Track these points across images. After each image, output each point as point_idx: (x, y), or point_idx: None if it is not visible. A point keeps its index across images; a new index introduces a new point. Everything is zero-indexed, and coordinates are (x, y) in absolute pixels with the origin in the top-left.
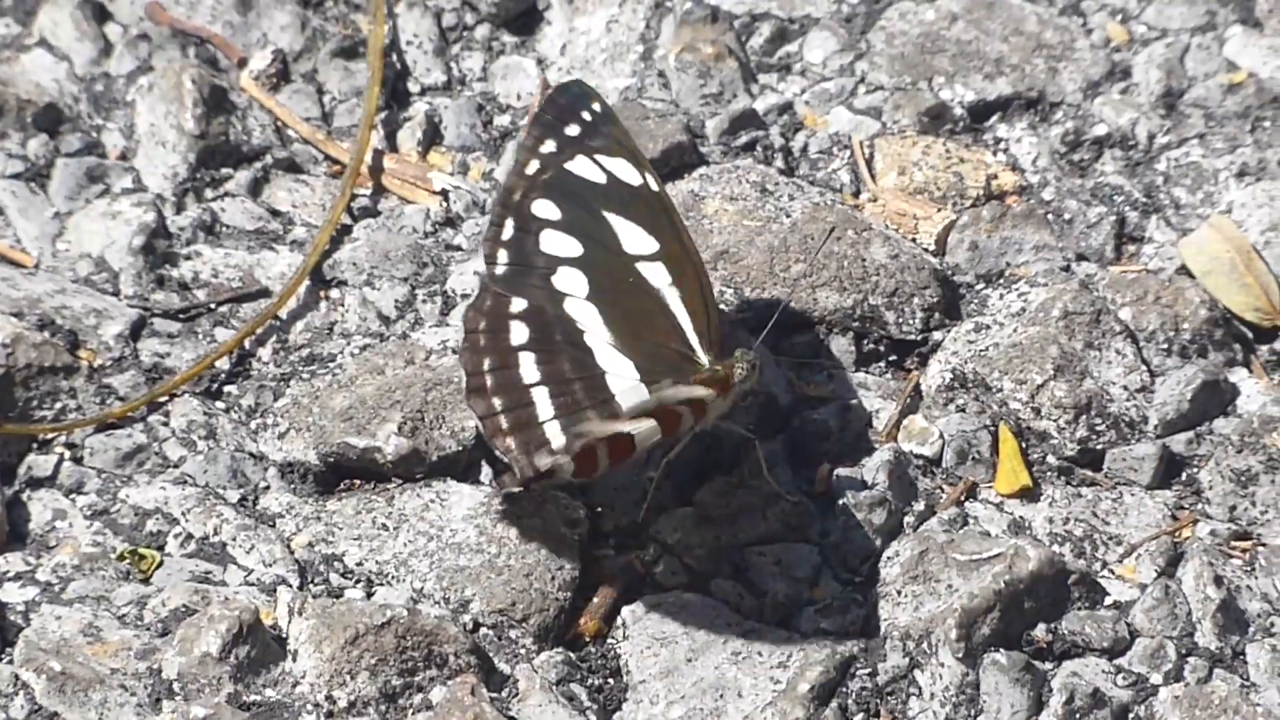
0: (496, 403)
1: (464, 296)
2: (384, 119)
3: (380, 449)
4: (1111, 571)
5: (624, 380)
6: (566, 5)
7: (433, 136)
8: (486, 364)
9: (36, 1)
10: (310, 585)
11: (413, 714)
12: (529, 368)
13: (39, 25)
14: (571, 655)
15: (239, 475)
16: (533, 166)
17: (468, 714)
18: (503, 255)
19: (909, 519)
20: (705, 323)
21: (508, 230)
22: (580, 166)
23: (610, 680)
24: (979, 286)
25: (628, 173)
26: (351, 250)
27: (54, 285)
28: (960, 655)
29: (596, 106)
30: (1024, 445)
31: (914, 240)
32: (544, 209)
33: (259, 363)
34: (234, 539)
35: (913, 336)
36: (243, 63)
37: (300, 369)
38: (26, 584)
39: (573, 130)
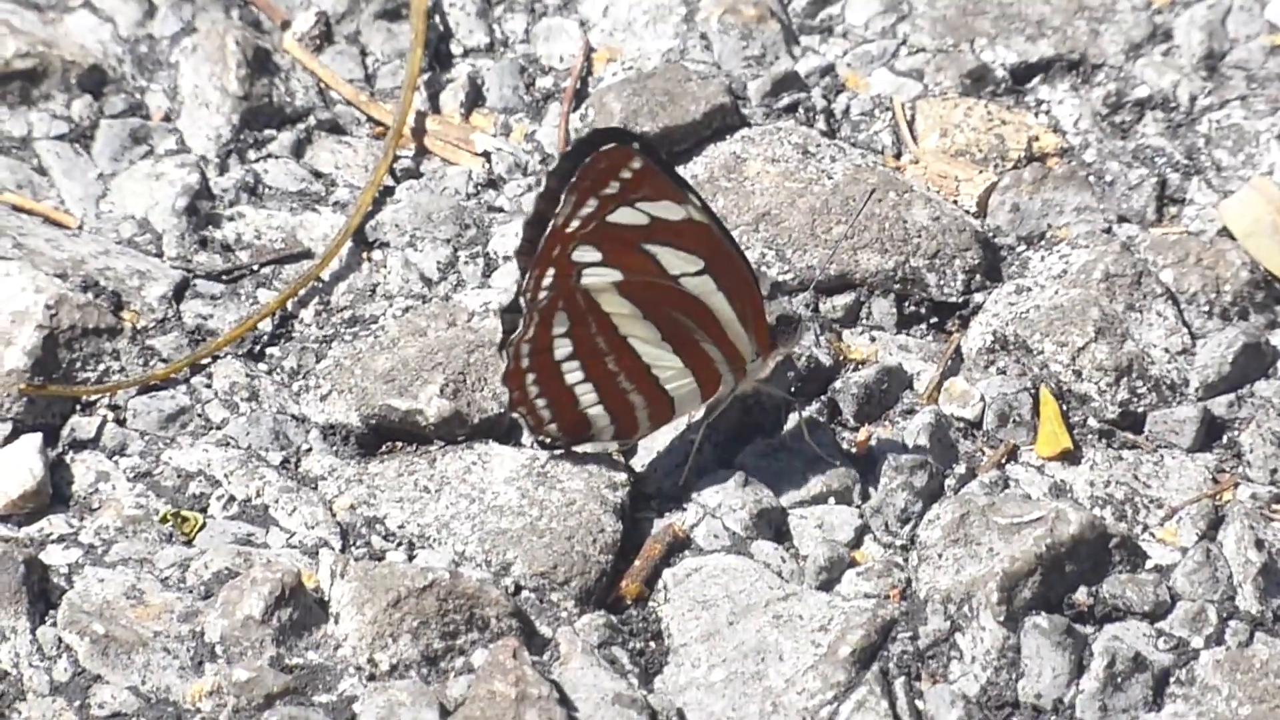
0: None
1: (506, 259)
2: (426, 81)
3: (422, 411)
4: (1152, 535)
5: (667, 370)
6: None
7: (475, 98)
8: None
9: None
10: (352, 548)
11: (454, 677)
12: (574, 374)
13: None
14: (613, 618)
15: (281, 437)
16: (573, 225)
17: (509, 677)
18: (543, 295)
19: (950, 482)
20: (748, 312)
21: (547, 279)
22: (622, 215)
23: (652, 643)
24: (1020, 249)
25: (670, 210)
26: (394, 212)
27: (98, 246)
28: (1001, 619)
29: (636, 164)
30: (1065, 408)
31: (955, 202)
32: (584, 254)
33: (301, 324)
34: (276, 501)
35: (954, 299)
36: (286, 24)
37: (342, 331)
38: (70, 546)
39: (613, 189)
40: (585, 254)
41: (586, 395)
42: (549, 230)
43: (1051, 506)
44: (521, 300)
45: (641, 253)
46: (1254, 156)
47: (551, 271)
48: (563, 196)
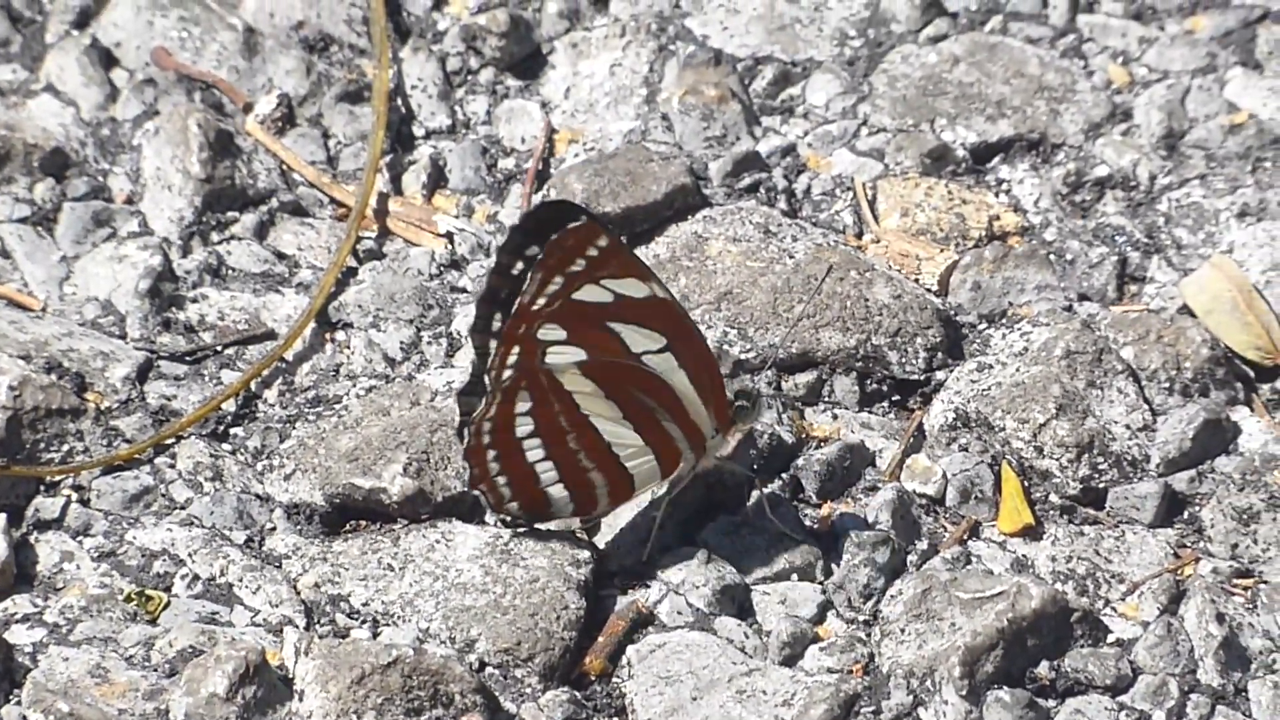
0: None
1: (468, 340)
2: (389, 162)
3: (386, 490)
4: (1114, 609)
5: (628, 448)
6: (570, 49)
7: (437, 180)
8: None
9: (43, 47)
10: (317, 625)
11: None
12: (534, 451)
13: (46, 70)
14: (577, 694)
15: (245, 516)
16: (539, 303)
17: None
18: (494, 345)
19: (912, 557)
20: (708, 389)
21: (512, 356)
22: (587, 293)
23: (616, 719)
24: (981, 326)
25: (635, 288)
26: (357, 293)
27: (61, 328)
28: (964, 693)
29: (602, 241)
30: (1026, 484)
31: (917, 281)
32: (549, 333)
33: (265, 404)
34: (240, 580)
35: (916, 376)
36: (248, 107)
37: (306, 411)
38: (34, 625)
39: (579, 266)
40: (550, 332)
41: (547, 473)
42: (515, 308)
43: (1013, 581)
44: (486, 379)
45: (605, 330)
46: (1214, 234)
47: (516, 350)
48: (529, 274)
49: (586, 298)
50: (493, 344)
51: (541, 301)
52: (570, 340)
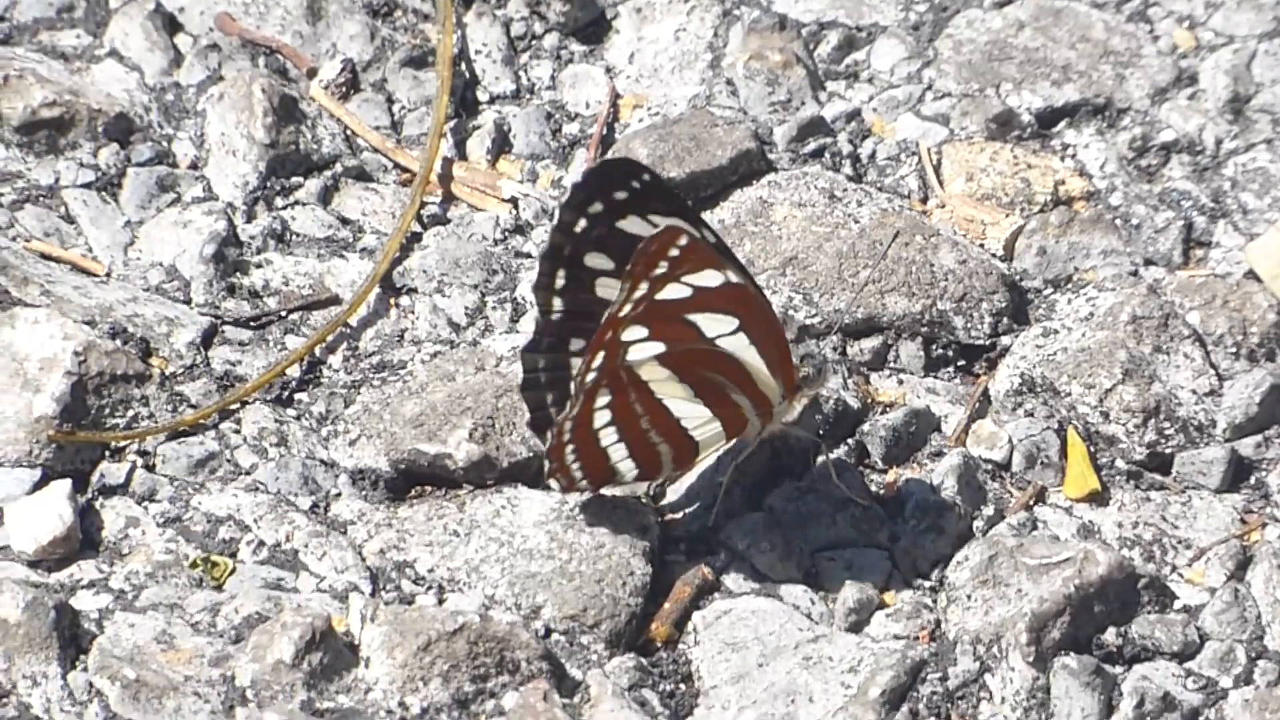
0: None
1: (532, 305)
2: (453, 127)
3: (451, 455)
4: (1181, 575)
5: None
6: (635, 14)
7: (502, 145)
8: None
9: (108, 13)
10: (382, 592)
11: (485, 719)
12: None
13: (110, 36)
14: (643, 661)
15: (310, 482)
16: (626, 309)
17: (540, 719)
18: (558, 302)
19: (978, 524)
20: (776, 358)
21: (597, 360)
22: (669, 292)
23: (682, 686)
24: (1047, 291)
25: (711, 278)
26: (421, 258)
27: (125, 294)
28: (1030, 659)
29: (683, 240)
30: (1092, 449)
31: (982, 246)
32: (632, 333)
33: (329, 370)
34: (306, 546)
35: (981, 341)
36: (312, 72)
37: (371, 376)
38: (100, 592)
39: (662, 269)
40: (633, 333)
41: (618, 452)
42: (605, 317)
43: (1080, 547)
44: (571, 385)
45: (684, 323)
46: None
47: (602, 354)
48: (620, 284)
49: (668, 296)
50: (555, 301)
51: (629, 308)
52: (651, 337)
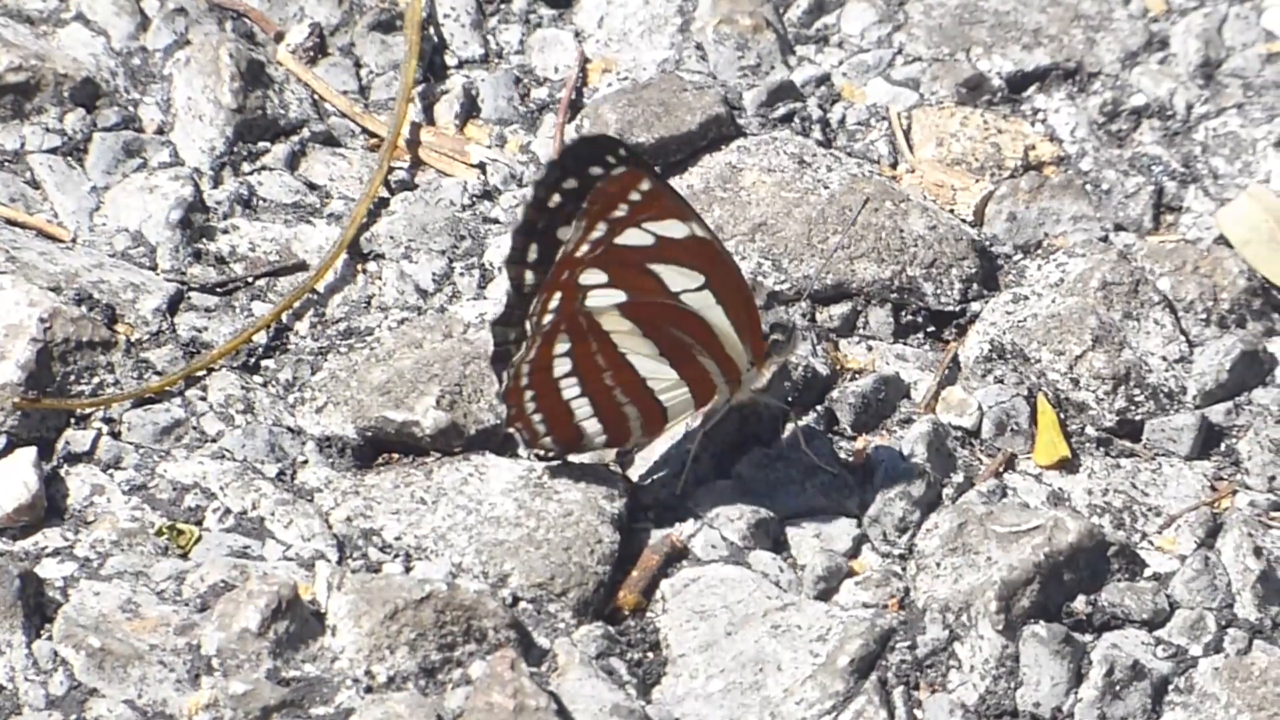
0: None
1: (501, 270)
2: (421, 92)
3: (418, 423)
4: (1151, 543)
5: (663, 382)
6: None
7: (470, 109)
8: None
9: None
10: (349, 560)
11: (452, 688)
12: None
13: (76, 0)
14: (610, 629)
15: (277, 450)
16: (583, 250)
17: (507, 688)
18: (530, 276)
19: (948, 491)
20: (744, 323)
21: (553, 302)
22: (630, 237)
23: (649, 654)
24: (1017, 257)
25: (675, 229)
26: (389, 223)
27: (91, 260)
28: (1000, 628)
29: (645, 185)
30: (1062, 416)
31: (952, 211)
32: (591, 277)
33: (296, 337)
34: (272, 514)
35: (951, 308)
36: (279, 36)
37: (338, 343)
38: (65, 559)
39: (622, 211)
40: (592, 277)
41: (582, 409)
42: (559, 255)
43: (1050, 515)
44: (528, 323)
45: (645, 273)
46: (1251, 164)
47: (558, 295)
48: (574, 223)
49: (628, 242)
50: (528, 275)
51: (585, 249)
52: (611, 283)
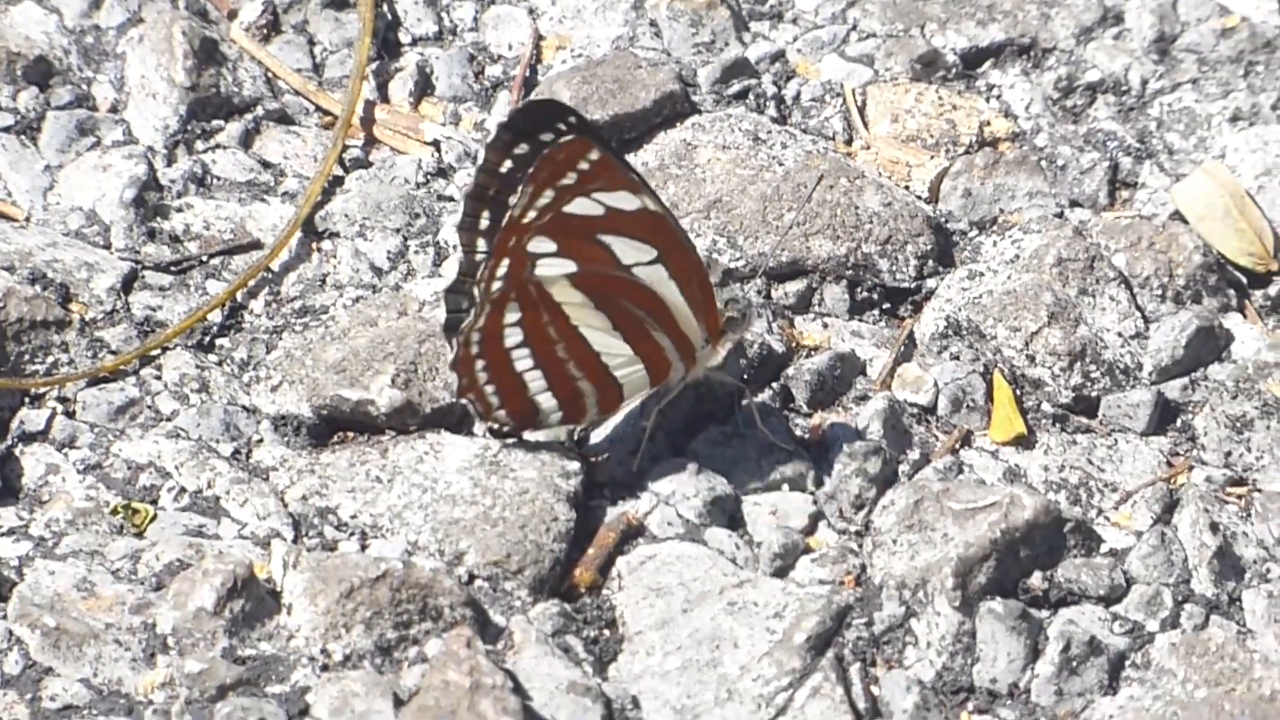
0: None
1: (456, 247)
2: (375, 70)
3: (373, 401)
4: (1107, 519)
5: (617, 358)
6: None
7: (424, 87)
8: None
9: None
10: (304, 538)
11: (408, 666)
12: (523, 361)
13: None
14: (567, 607)
15: (232, 429)
16: (530, 216)
17: (463, 666)
18: (481, 243)
19: (904, 468)
20: (699, 300)
21: (501, 268)
22: (578, 206)
23: (606, 631)
24: (972, 234)
25: (626, 200)
26: (344, 202)
27: (45, 239)
28: (956, 604)
29: (594, 154)
30: (1018, 393)
31: (907, 188)
32: (540, 245)
33: (251, 315)
34: (227, 492)
35: (906, 284)
36: (233, 14)
37: (293, 321)
38: (20, 539)
39: (570, 179)
40: (540, 245)
41: (535, 382)
42: (505, 221)
43: (1006, 491)
44: (475, 289)
45: (595, 243)
46: (1206, 140)
47: (506, 262)
48: (519, 188)
49: (577, 210)
50: (480, 242)
51: (532, 214)
52: (560, 253)
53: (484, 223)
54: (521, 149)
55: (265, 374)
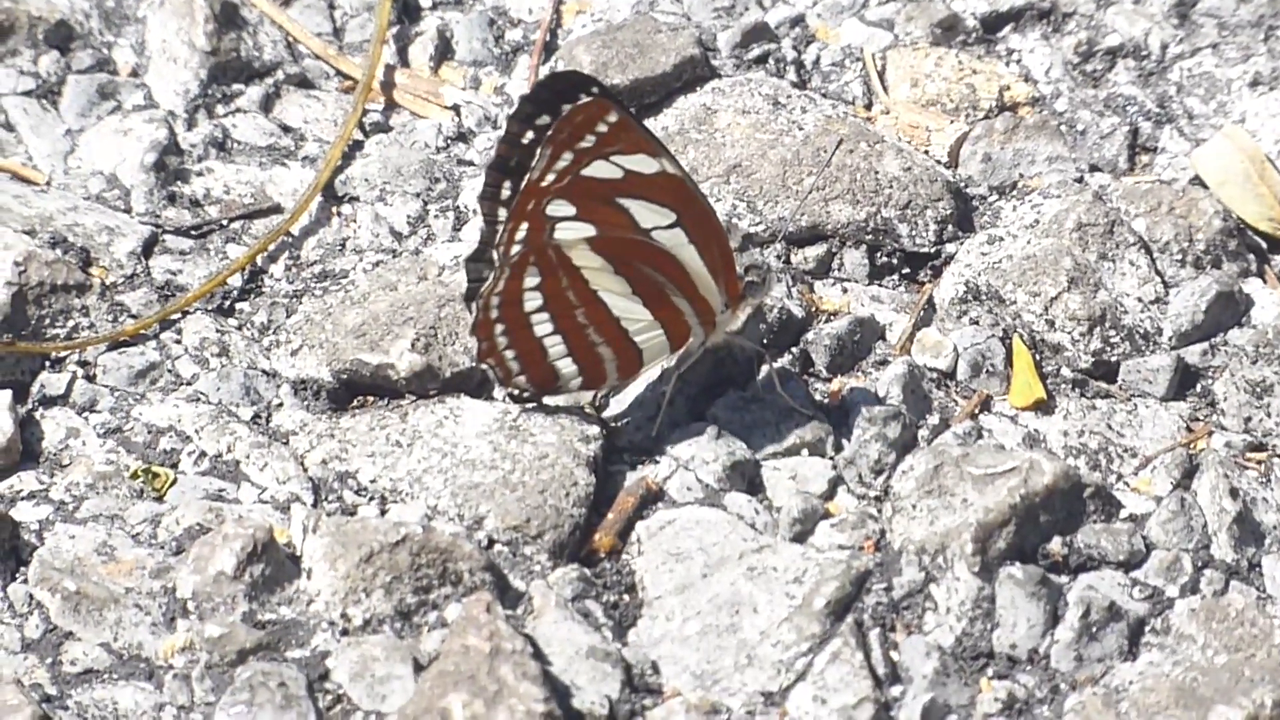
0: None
1: (476, 212)
2: (395, 34)
3: (393, 365)
4: (1127, 484)
5: (637, 323)
6: None
7: (444, 51)
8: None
9: None
10: (324, 503)
11: (428, 631)
12: (543, 325)
13: None
14: (586, 572)
15: (252, 393)
16: (548, 179)
17: (483, 631)
18: (502, 213)
19: (923, 432)
20: (718, 264)
21: (520, 232)
22: (597, 169)
23: (625, 596)
24: (992, 198)
25: (644, 164)
26: (364, 166)
27: (66, 203)
28: (976, 569)
29: (612, 117)
30: (1038, 358)
31: (926, 152)
32: (558, 209)
33: (271, 279)
34: (247, 456)
35: (926, 249)
36: None
37: (313, 285)
38: (40, 503)
39: (588, 142)
40: (559, 208)
41: (555, 347)
42: (523, 184)
43: (1025, 457)
44: (494, 254)
45: (614, 206)
46: (1226, 104)
47: (525, 226)
48: (538, 150)
49: (596, 174)
50: (501, 212)
51: (550, 178)
52: (579, 216)
53: (505, 193)
54: (544, 120)
55: (285, 338)
